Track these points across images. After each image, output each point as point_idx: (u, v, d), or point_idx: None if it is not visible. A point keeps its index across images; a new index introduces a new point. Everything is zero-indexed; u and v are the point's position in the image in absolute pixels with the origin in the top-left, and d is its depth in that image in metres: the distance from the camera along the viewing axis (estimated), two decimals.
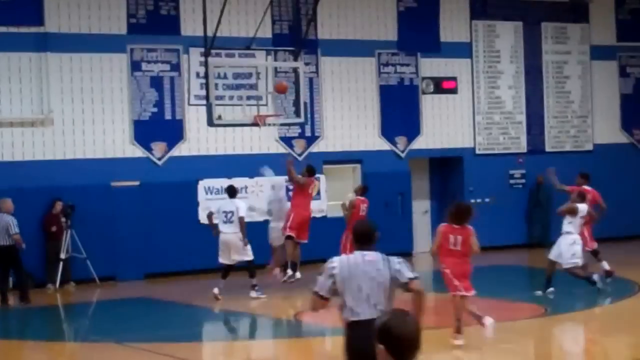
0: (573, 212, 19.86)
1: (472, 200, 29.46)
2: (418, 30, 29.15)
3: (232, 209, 21.17)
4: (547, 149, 31.38)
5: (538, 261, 27.88)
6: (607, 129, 32.42)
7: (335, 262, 9.41)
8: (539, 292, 20.01)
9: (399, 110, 28.91)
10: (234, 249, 21.14)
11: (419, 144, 29.40)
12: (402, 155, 29.14)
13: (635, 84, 32.97)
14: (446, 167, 30.27)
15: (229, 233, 21.16)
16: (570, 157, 31.33)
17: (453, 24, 29.90)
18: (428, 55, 29.42)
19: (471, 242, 15.24)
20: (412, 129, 29.22)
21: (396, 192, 28.84)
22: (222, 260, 21.43)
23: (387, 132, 28.88)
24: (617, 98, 32.69)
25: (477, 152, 30.32)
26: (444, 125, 29.79)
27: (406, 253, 28.66)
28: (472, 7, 30.19)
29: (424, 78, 29.37)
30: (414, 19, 29.14)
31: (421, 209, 30.16)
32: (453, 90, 29.91)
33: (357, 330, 8.93)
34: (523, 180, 30.86)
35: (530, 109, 31.13)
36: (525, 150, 31.04)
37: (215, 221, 21.44)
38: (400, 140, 29.07)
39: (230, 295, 21.97)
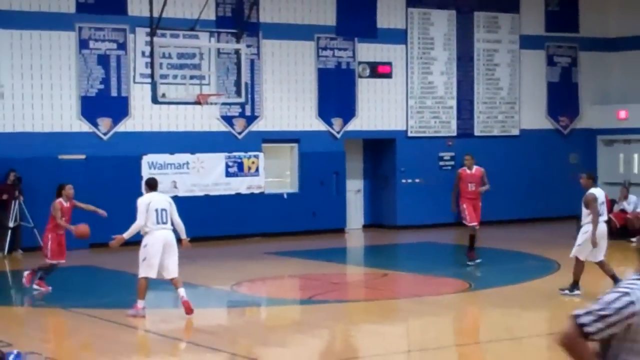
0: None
1: (403, 181, 30.06)
2: (356, 16, 29.17)
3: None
4: (476, 133, 31.67)
5: (463, 238, 28.41)
6: (534, 115, 32.75)
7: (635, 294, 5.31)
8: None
9: (336, 92, 29.05)
10: None
11: (354, 125, 29.54)
12: (338, 136, 29.27)
13: (561, 72, 33.30)
14: (379, 148, 30.42)
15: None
16: (498, 141, 31.79)
17: (389, 11, 29.98)
18: (365, 40, 29.52)
19: None
20: (348, 111, 29.37)
21: (331, 171, 28.99)
22: None
23: (324, 113, 29.01)
24: (544, 86, 33.02)
25: (409, 134, 30.48)
26: (379, 108, 29.94)
27: (339, 229, 29.21)
28: None
29: (360, 62, 29.52)
30: (352, 6, 29.17)
31: (354, 188, 30.36)
32: (388, 75, 30.03)
33: None
34: (452, 162, 30.81)
35: (461, 95, 31.38)
36: (455, 134, 31.26)
37: None
38: (336, 122, 29.20)
39: None
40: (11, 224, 24.01)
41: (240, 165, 27.64)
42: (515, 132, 32.49)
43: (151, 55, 23.06)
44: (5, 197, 24.04)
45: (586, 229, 17.30)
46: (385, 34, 29.90)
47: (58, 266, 18.73)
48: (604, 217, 17.51)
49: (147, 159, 26.42)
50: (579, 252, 17.49)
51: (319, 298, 18.57)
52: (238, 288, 19.56)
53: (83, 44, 25.71)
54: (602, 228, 17.40)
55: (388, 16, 30.03)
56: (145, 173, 25.98)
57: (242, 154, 27.73)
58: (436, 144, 30.97)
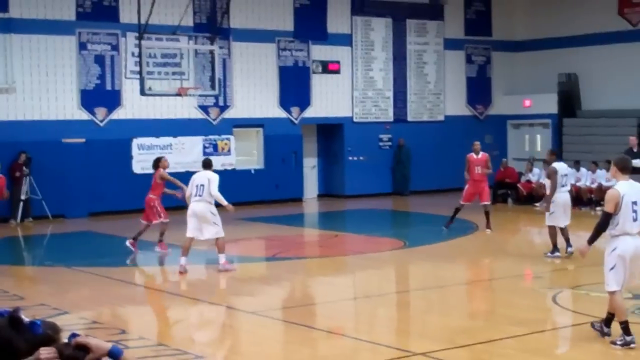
0: None
1: (350, 158, 30.06)
2: (310, 22, 29.12)
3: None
4: (409, 118, 31.64)
5: (400, 205, 28.50)
6: (456, 104, 32.82)
7: None
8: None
9: (294, 86, 28.92)
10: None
11: (309, 113, 29.43)
12: (296, 121, 29.16)
13: (478, 69, 33.37)
14: (330, 131, 30.35)
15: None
16: (427, 125, 31.89)
17: (337, 19, 29.89)
18: (317, 43, 29.41)
19: None
20: (304, 101, 29.25)
21: (291, 150, 28.90)
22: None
23: (284, 103, 28.87)
24: (463, 80, 33.06)
25: (355, 120, 30.43)
26: (329, 99, 29.84)
27: (298, 199, 29.18)
28: (353, 5, 30.23)
29: (314, 61, 29.39)
30: (307, 14, 29.13)
31: (310, 164, 30.25)
32: (337, 71, 29.95)
33: None
34: (389, 143, 31.04)
35: (396, 87, 31.34)
36: (391, 119, 31.23)
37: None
38: (295, 110, 29.09)
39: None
40: (23, 197, 23.66)
41: (215, 146, 27.53)
42: (441, 117, 32.49)
43: (139, 55, 23.16)
44: (17, 174, 23.69)
45: (552, 198, 16.54)
46: (334, 37, 29.83)
47: (150, 227, 18.19)
48: (567, 188, 16.89)
49: (136, 142, 26.20)
50: (553, 220, 16.62)
51: (282, 255, 18.47)
52: (214, 248, 19.33)
53: (82, 46, 25.37)
54: (566, 197, 16.70)
55: (336, 23, 29.92)
56: (135, 153, 26.13)
57: (216, 137, 27.60)
58: (376, 128, 30.91)
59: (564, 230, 16.71)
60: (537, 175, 27.73)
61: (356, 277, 16.53)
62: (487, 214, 21.22)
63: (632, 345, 9.79)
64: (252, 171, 28.43)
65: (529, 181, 27.82)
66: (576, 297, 13.27)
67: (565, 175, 16.73)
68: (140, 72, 23.01)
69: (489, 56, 33.64)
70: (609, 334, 10.14)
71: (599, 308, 12.37)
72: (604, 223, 9.86)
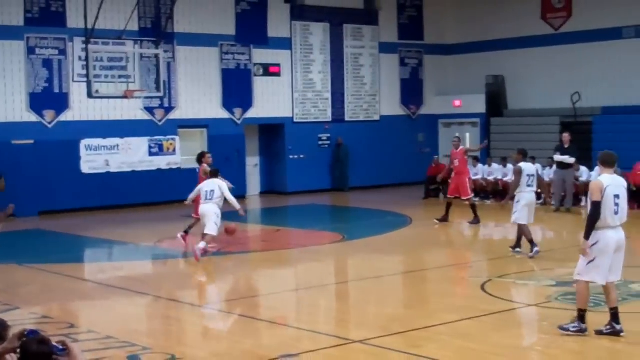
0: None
1: (291, 157, 30.02)
2: (251, 27, 29.02)
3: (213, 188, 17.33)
4: (346, 118, 31.68)
5: (339, 201, 28.54)
6: (390, 104, 32.90)
7: None
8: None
9: (236, 88, 28.78)
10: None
11: (251, 113, 29.29)
12: (239, 122, 29.00)
13: (411, 71, 33.49)
14: (271, 131, 30.23)
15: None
16: (363, 125, 31.97)
17: (278, 24, 29.80)
18: (258, 46, 29.28)
19: None
20: (246, 102, 29.10)
21: (234, 149, 28.69)
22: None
23: (227, 104, 28.71)
24: (397, 82, 33.13)
25: (295, 120, 30.38)
26: (270, 100, 29.74)
27: (241, 195, 28.97)
28: (292, 11, 30.19)
29: (255, 64, 29.25)
30: (248, 19, 29.00)
31: (253, 163, 30.16)
32: (277, 74, 29.87)
33: None
34: (328, 142, 31.06)
35: (334, 89, 31.35)
36: (330, 119, 31.24)
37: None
38: (237, 111, 28.93)
39: (108, 227, 21.87)
40: None
41: (160, 146, 27.31)
42: (377, 117, 32.57)
43: (86, 59, 22.91)
44: None
45: (518, 198, 15.88)
46: (275, 41, 29.74)
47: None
48: (533, 188, 15.99)
49: (84, 143, 25.88)
50: (519, 219, 15.90)
51: (226, 250, 18.35)
52: (160, 244, 19.28)
53: (31, 51, 24.99)
54: (531, 197, 15.94)
55: (276, 28, 29.84)
56: (83, 154, 25.86)
57: (162, 137, 27.37)
58: (315, 128, 30.92)
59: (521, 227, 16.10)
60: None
61: (298, 270, 16.50)
62: (472, 207, 21.16)
63: (585, 334, 9.71)
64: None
65: None
66: (503, 286, 13.41)
67: (533, 175, 15.98)
68: (87, 76, 22.77)
69: (421, 59, 33.80)
70: (621, 330, 9.81)
71: (525, 295, 12.55)
72: (595, 213, 9.49)
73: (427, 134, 33.66)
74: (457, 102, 33.41)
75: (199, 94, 28.16)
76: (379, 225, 21.38)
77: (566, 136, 23.37)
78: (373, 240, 19.15)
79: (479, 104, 32.45)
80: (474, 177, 27.44)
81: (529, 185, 15.86)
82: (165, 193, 26.64)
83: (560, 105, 29.97)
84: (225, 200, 17.08)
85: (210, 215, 16.75)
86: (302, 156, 30.29)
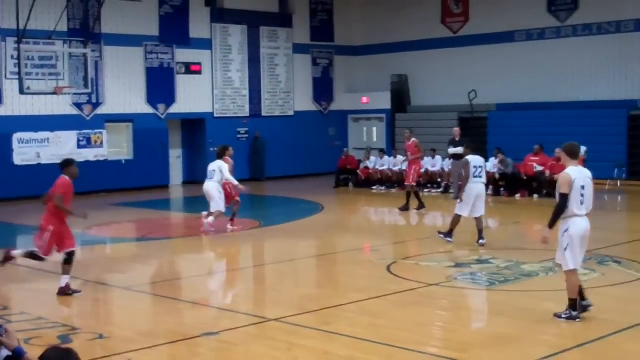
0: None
1: (211, 149, 29.70)
2: (174, 29, 28.76)
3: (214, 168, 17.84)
4: (263, 114, 31.62)
5: (256, 190, 28.38)
6: (304, 101, 32.97)
7: None
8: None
9: (160, 85, 28.48)
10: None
11: (174, 109, 29.04)
12: (162, 117, 28.72)
13: (322, 70, 33.60)
14: (193, 126, 30.02)
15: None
16: (279, 119, 31.97)
17: (199, 25, 29.56)
18: (181, 46, 29.05)
19: None
20: (169, 99, 28.83)
21: (158, 143, 28.50)
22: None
23: (151, 100, 28.39)
24: (310, 80, 33.22)
25: (215, 115, 30.22)
26: (192, 97, 29.50)
27: (165, 185, 28.83)
28: (212, 14, 30.00)
29: (178, 63, 29.03)
30: (171, 21, 28.73)
31: (175, 155, 29.90)
32: (198, 72, 29.66)
33: None
34: (246, 135, 30.99)
35: (252, 86, 31.25)
36: (248, 115, 31.16)
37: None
38: (161, 107, 28.65)
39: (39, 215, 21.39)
40: None
41: (88, 140, 26.86)
42: (291, 113, 32.58)
43: (18, 58, 22.59)
44: None
45: (466, 189, 15.35)
46: (196, 42, 29.51)
47: (237, 205, 18.47)
48: (483, 180, 15.43)
49: (16, 136, 25.31)
50: (460, 210, 15.38)
51: (150, 236, 18.17)
52: (89, 231, 18.88)
53: None
54: (478, 188, 15.31)
55: (198, 29, 29.61)
56: (16, 147, 25.32)
57: (90, 131, 26.91)
58: (234, 122, 30.80)
59: (478, 221, 15.42)
60: (373, 162, 28.18)
61: (217, 254, 16.38)
62: (408, 194, 21.01)
63: (577, 320, 9.45)
64: (123, 162, 27.88)
65: (366, 167, 28.22)
66: (407, 267, 13.53)
67: (481, 167, 15.41)
68: (19, 73, 22.40)
69: (331, 59, 33.91)
70: (589, 305, 9.62)
71: (427, 275, 12.68)
72: (563, 205, 9.26)
73: (338, 128, 33.84)
74: (365, 99, 33.63)
75: (124, 91, 27.75)
76: (293, 212, 21.37)
77: (457, 130, 23.62)
78: (288, 226, 19.12)
79: (384, 101, 32.69)
80: (380, 168, 27.70)
81: (475, 177, 15.28)
82: (93, 183, 26.25)
83: (458, 102, 30.40)
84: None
85: (213, 192, 17.56)
86: None
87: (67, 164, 12.17)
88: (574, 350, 8.42)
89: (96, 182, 26.38)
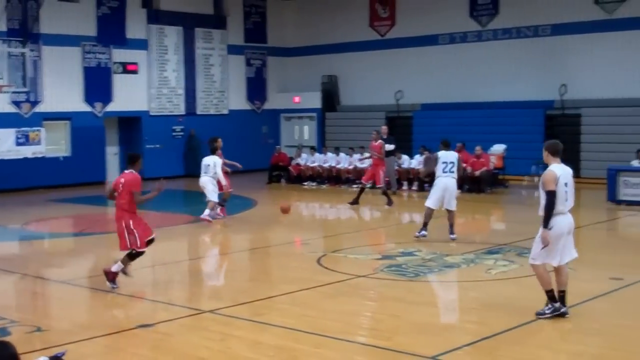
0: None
1: (147, 146, 29.57)
2: (111, 29, 28.42)
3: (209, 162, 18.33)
4: (198, 112, 31.48)
5: (191, 186, 28.22)
6: (238, 100, 32.90)
7: None
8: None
9: (97, 84, 28.11)
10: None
11: (111, 107, 28.70)
12: (99, 115, 28.36)
13: (256, 71, 33.56)
14: (130, 123, 29.72)
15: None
16: (214, 118, 31.82)
17: (135, 26, 29.29)
18: (118, 47, 28.73)
19: None
20: (106, 97, 28.48)
21: (95, 140, 28.15)
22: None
23: (89, 98, 28.02)
24: (244, 80, 33.15)
25: (151, 113, 29.98)
26: (129, 95, 29.19)
27: (102, 181, 28.33)
28: (148, 15, 29.75)
29: (115, 62, 28.71)
30: (108, 22, 28.38)
31: (112, 152, 29.52)
32: (135, 72, 29.39)
33: None
34: (182, 133, 30.84)
35: (187, 86, 31.10)
36: (184, 113, 30.99)
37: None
38: (98, 105, 28.29)
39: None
40: None
41: (27, 137, 26.38)
42: (226, 111, 32.48)
43: None
44: None
45: (435, 182, 15.26)
46: (133, 42, 29.22)
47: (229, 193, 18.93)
48: (452, 174, 15.06)
49: None
50: (428, 202, 15.22)
51: (88, 231, 17.94)
52: (27, 226, 18.60)
53: None
54: (446, 182, 15.09)
55: (134, 30, 29.31)
56: None
57: (28, 128, 26.45)
58: (170, 120, 30.60)
59: (450, 215, 15.22)
60: (304, 159, 28.23)
61: (155, 248, 16.17)
62: (384, 193, 20.83)
63: (562, 310, 9.14)
64: (61, 158, 27.47)
65: (298, 164, 28.26)
66: (336, 259, 13.60)
67: (452, 163, 15.21)
68: None
69: (264, 60, 33.87)
70: (566, 312, 9.24)
71: (355, 267, 12.76)
72: (552, 202, 8.95)
73: (270, 126, 33.84)
74: (297, 99, 33.67)
75: (62, 89, 27.32)
76: (227, 207, 21.20)
77: (384, 128, 23.76)
78: (222, 221, 18.97)
79: (315, 101, 32.80)
80: (311, 165, 27.77)
81: (444, 171, 15.17)
82: (30, 179, 25.88)
83: (385, 102, 30.65)
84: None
85: (207, 185, 18.03)
86: (157, 146, 29.87)
87: (135, 158, 11.90)
88: (497, 337, 8.58)
89: (34, 179, 25.96)
